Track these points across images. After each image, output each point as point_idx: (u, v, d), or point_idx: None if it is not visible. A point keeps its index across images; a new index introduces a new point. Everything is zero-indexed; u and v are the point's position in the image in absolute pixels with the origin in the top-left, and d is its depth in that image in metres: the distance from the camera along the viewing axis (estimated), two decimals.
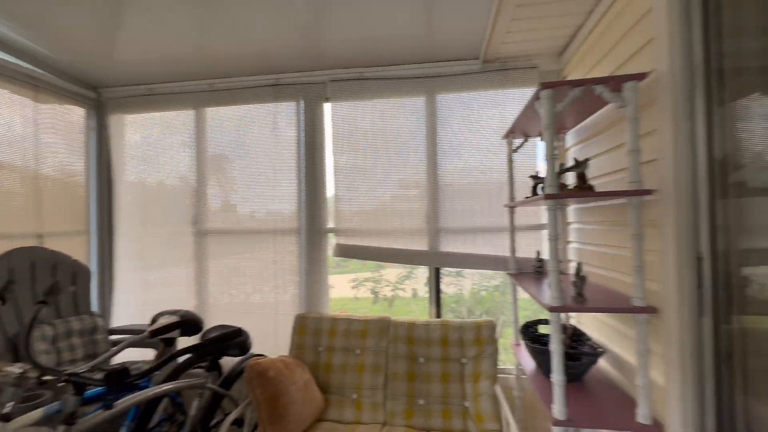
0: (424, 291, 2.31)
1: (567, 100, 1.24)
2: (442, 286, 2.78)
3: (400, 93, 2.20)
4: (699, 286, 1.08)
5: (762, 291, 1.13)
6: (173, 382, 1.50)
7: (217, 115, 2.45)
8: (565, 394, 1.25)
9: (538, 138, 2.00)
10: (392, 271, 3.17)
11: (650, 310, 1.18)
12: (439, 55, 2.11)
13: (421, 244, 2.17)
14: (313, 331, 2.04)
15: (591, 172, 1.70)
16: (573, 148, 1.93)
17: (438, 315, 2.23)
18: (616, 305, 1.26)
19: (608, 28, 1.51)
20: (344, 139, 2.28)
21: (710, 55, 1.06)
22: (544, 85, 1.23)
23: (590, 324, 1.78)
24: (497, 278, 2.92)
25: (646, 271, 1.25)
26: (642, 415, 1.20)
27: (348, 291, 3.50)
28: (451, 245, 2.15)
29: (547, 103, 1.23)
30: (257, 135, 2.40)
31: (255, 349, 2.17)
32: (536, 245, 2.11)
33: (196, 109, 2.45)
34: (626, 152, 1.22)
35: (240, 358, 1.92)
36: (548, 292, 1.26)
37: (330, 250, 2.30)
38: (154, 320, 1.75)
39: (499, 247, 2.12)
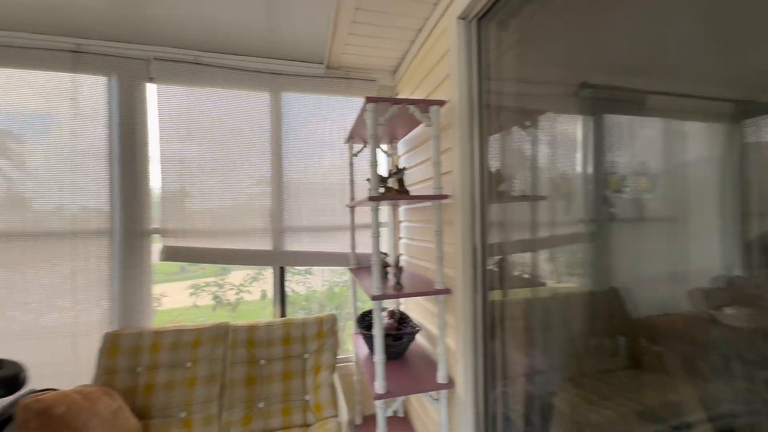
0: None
1: (388, 114, 1.43)
2: (292, 286, 2.77)
3: (243, 85, 2.09)
4: (474, 270, 1.41)
5: (513, 271, 1.55)
6: None
7: None
8: (385, 371, 1.44)
9: None
10: (239, 274, 2.97)
11: (446, 291, 1.47)
12: (285, 53, 2.09)
13: (264, 244, 2.12)
14: (128, 350, 1.74)
15: (414, 178, 2.00)
16: (403, 156, 2.22)
17: (283, 314, 2.22)
18: (424, 290, 1.52)
19: (424, 58, 1.81)
20: (175, 128, 2.02)
21: (482, 94, 1.40)
22: (369, 100, 1.39)
23: (413, 307, 2.09)
24: (348, 274, 3.09)
25: (446, 260, 1.55)
26: (441, 376, 1.49)
27: (187, 299, 3.10)
28: (296, 244, 2.17)
29: (371, 115, 1.39)
30: (48, 111, 1.87)
31: (43, 383, 1.70)
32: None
33: None
34: (432, 163, 1.49)
35: (10, 398, 1.47)
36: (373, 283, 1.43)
37: (155, 255, 1.99)
38: None
39: (343, 244, 2.25)
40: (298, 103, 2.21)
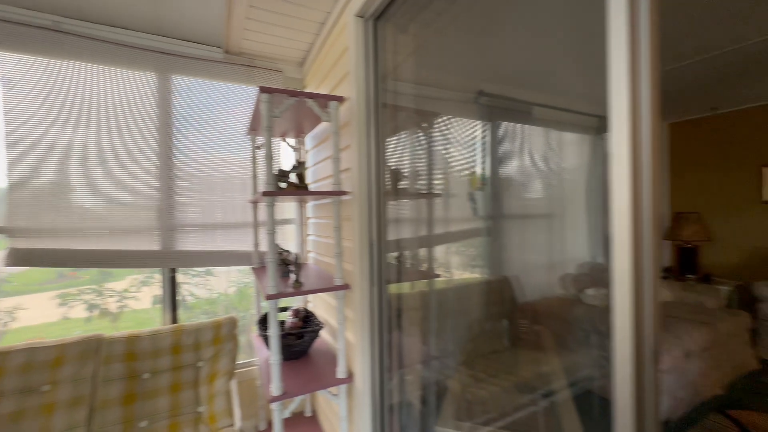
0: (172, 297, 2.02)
1: (283, 107, 1.38)
2: (192, 289, 2.53)
3: (121, 62, 1.82)
4: (371, 264, 1.45)
5: (410, 265, 1.62)
6: None
7: None
8: (284, 371, 1.40)
9: (280, 138, 2.14)
10: (129, 278, 2.59)
11: (345, 287, 1.48)
12: (175, 31, 1.88)
13: (151, 243, 1.88)
14: None
15: (321, 173, 1.97)
16: (311, 151, 2.18)
17: (174, 320, 2.01)
18: (324, 286, 1.51)
19: (328, 53, 1.79)
20: (27, 106, 1.67)
21: (378, 93, 1.43)
22: (263, 90, 1.32)
23: (320, 304, 2.07)
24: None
25: (345, 256, 1.57)
26: (340, 371, 1.50)
27: (59, 312, 2.61)
28: (191, 243, 1.97)
29: (265, 106, 1.33)
30: None
31: None
32: (285, 239, 2.26)
33: None
34: (332, 160, 1.49)
35: None
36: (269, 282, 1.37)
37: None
38: None
39: (246, 242, 2.12)
40: (194, 89, 2.01)
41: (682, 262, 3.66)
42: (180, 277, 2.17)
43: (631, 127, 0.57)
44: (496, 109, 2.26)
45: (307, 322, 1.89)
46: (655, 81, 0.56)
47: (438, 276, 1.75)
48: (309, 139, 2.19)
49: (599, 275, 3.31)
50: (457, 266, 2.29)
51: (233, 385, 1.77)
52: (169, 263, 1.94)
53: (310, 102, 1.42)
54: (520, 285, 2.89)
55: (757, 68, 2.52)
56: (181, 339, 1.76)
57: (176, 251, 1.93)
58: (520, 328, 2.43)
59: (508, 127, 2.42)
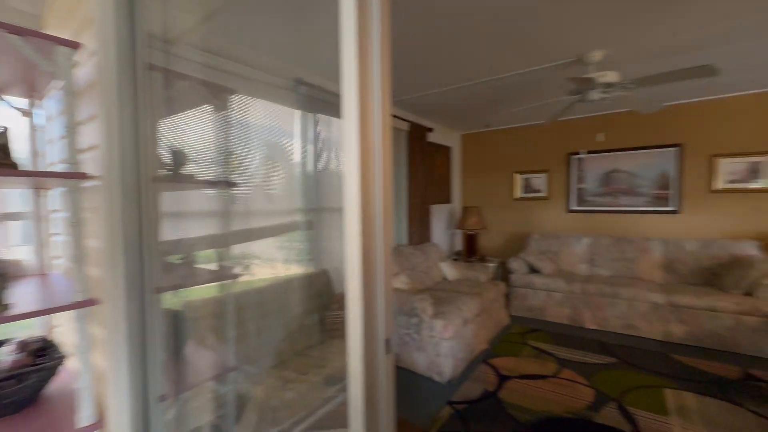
0: None
1: None
2: None
3: None
4: (130, 270, 1.13)
5: (192, 266, 1.36)
6: None
7: None
8: None
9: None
10: None
11: (89, 303, 1.11)
12: None
13: None
14: None
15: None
16: (57, 119, 1.59)
17: None
18: (53, 305, 1.09)
19: None
20: None
21: (138, 49, 1.12)
22: None
23: (71, 326, 1.55)
24: None
25: (93, 258, 1.18)
26: (84, 417, 1.12)
27: None
28: None
29: None
30: None
31: None
32: (10, 241, 1.58)
33: None
34: (66, 130, 1.08)
35: None
36: None
37: None
38: None
39: None
40: None
41: (468, 246, 4.58)
42: None
43: (360, 118, 0.54)
44: (307, 97, 2.19)
45: (43, 356, 1.37)
46: (386, 82, 0.55)
47: (237, 276, 1.55)
48: (54, 104, 1.59)
49: (404, 260, 3.71)
50: (266, 263, 2.13)
51: None
52: None
53: (15, 40, 0.97)
54: (339, 276, 2.96)
55: (510, 96, 3.34)
56: None
57: None
58: (336, 320, 2.48)
59: (319, 118, 2.41)
